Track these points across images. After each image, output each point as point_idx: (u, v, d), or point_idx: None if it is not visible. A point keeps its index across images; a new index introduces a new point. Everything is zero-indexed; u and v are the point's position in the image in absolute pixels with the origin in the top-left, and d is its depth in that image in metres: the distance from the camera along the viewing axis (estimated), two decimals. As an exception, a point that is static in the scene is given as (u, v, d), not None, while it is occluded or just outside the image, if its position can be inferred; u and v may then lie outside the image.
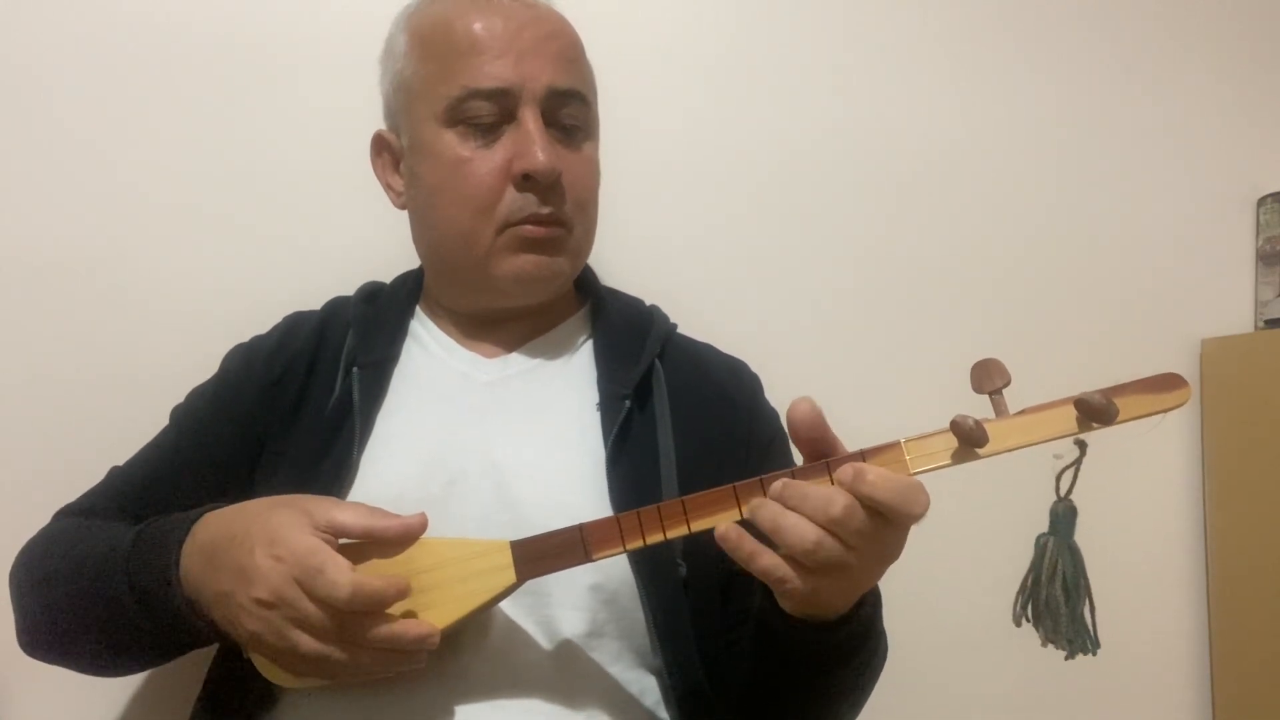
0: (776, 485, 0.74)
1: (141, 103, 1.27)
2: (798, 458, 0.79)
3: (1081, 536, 0.77)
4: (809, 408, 0.76)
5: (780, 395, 1.10)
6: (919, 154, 1.44)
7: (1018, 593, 0.78)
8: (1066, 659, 0.76)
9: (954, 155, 1.45)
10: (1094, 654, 0.76)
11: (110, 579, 0.86)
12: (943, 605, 1.37)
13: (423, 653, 0.78)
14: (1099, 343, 1.45)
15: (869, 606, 0.82)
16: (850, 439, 0.77)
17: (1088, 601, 0.76)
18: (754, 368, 1.13)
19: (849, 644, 0.82)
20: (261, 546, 0.76)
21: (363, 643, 0.76)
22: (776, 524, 0.72)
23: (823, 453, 0.76)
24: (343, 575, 0.74)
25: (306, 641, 0.75)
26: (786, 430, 0.77)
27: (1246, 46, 1.53)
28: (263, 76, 1.30)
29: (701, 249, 1.38)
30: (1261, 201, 1.50)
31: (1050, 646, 0.77)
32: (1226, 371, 1.44)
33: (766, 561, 0.73)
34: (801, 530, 0.71)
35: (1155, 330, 1.48)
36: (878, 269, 1.42)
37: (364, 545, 0.80)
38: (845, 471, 0.72)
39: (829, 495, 0.71)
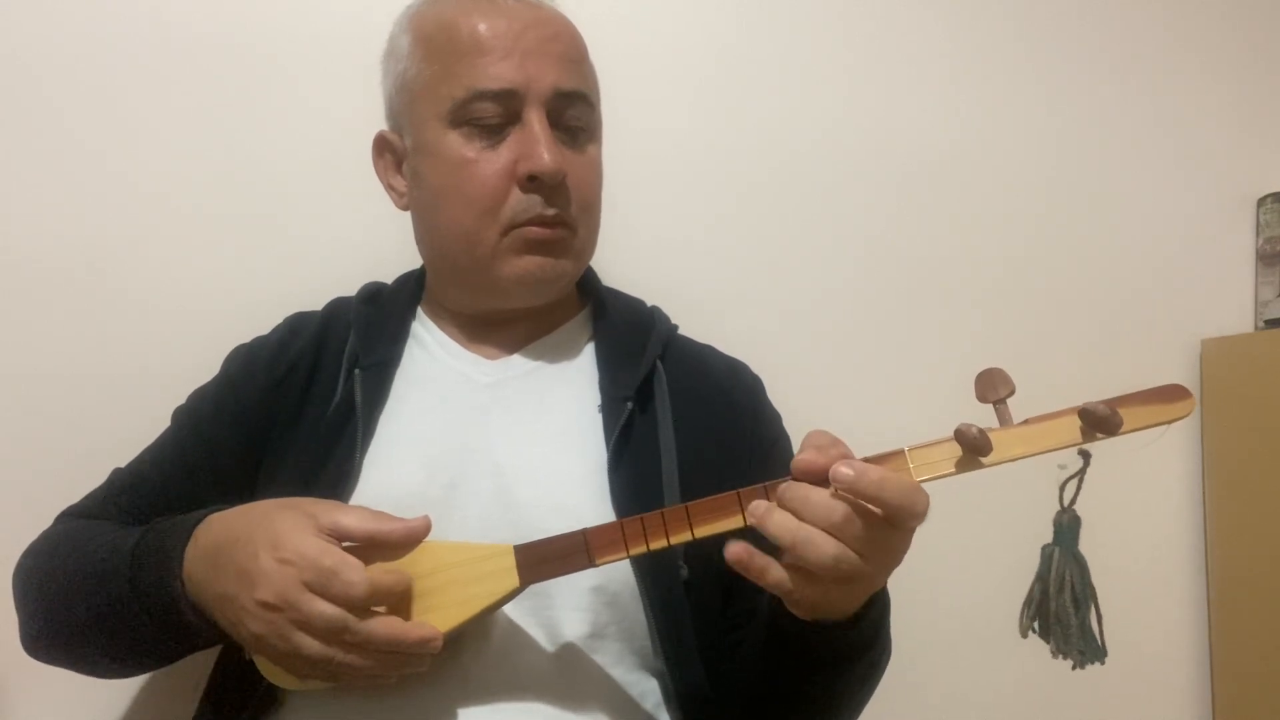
0: (782, 489, 0.74)
1: (142, 103, 1.27)
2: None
3: (1082, 540, 0.77)
4: (738, 551, 0.75)
5: (782, 397, 1.10)
6: (919, 156, 1.44)
7: (1024, 604, 0.78)
8: (1074, 669, 0.76)
9: (954, 156, 1.45)
10: (1102, 663, 0.76)
11: (113, 581, 0.86)
12: (948, 613, 1.37)
13: (426, 655, 0.78)
14: (1099, 343, 1.46)
15: (878, 609, 0.82)
16: (852, 444, 0.77)
17: (1094, 611, 0.76)
18: (755, 369, 1.13)
19: (858, 644, 0.82)
20: (266, 550, 0.76)
21: (366, 646, 0.76)
22: (794, 539, 0.72)
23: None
24: (357, 574, 0.75)
25: (310, 644, 0.75)
26: (789, 435, 0.77)
27: (1246, 46, 1.53)
28: (263, 76, 1.29)
29: (703, 250, 1.38)
30: (1261, 201, 1.50)
31: (1060, 658, 0.76)
32: (1226, 371, 1.44)
33: (777, 576, 0.74)
34: (821, 545, 0.71)
35: (1155, 330, 1.48)
36: (878, 270, 1.42)
37: (367, 549, 0.79)
38: (843, 471, 0.72)
39: (830, 503, 0.72)
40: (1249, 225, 1.51)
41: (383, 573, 0.77)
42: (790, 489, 0.74)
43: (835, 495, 0.72)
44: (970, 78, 1.46)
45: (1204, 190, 1.51)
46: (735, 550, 0.74)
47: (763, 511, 0.74)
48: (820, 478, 0.73)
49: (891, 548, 0.75)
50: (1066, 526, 0.75)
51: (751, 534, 0.76)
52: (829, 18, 1.43)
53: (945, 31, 1.46)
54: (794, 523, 0.72)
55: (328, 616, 0.74)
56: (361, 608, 0.75)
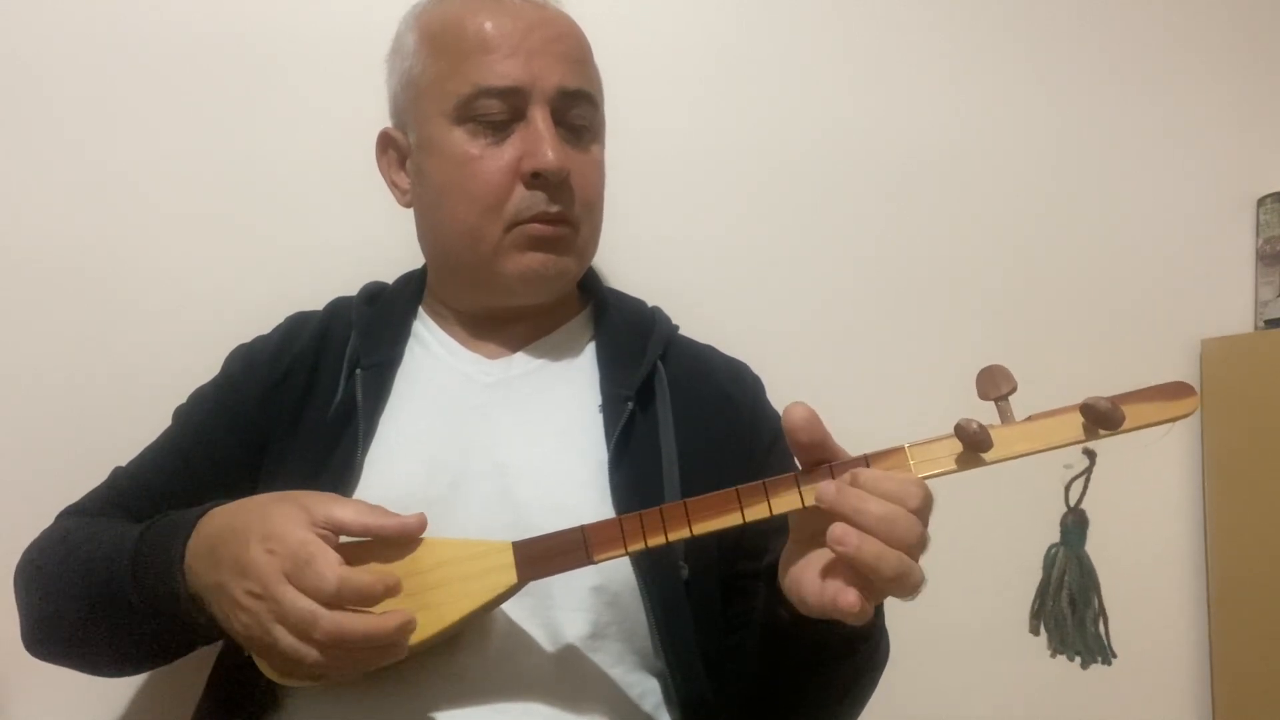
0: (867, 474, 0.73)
1: (143, 102, 1.27)
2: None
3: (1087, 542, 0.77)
4: (804, 412, 0.75)
5: (783, 397, 1.09)
6: (919, 156, 1.44)
7: (1033, 601, 0.78)
8: (1083, 668, 0.76)
9: (954, 157, 1.45)
10: (1108, 664, 0.76)
11: (115, 576, 0.86)
12: (951, 614, 1.36)
13: (403, 642, 0.76)
14: (1099, 343, 1.45)
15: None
16: (853, 443, 0.77)
17: (1100, 612, 0.76)
18: (756, 370, 1.13)
19: (855, 639, 0.82)
20: (257, 540, 0.76)
21: (335, 643, 0.74)
22: (878, 561, 0.69)
23: (822, 458, 0.76)
24: (330, 569, 0.74)
25: (284, 637, 0.75)
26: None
27: (1246, 46, 1.53)
28: (265, 75, 1.29)
29: (704, 250, 1.38)
30: (1261, 201, 1.50)
31: (1061, 657, 0.76)
32: (1226, 371, 1.44)
33: (851, 599, 0.72)
34: (891, 560, 0.70)
35: (1155, 330, 1.47)
36: (879, 270, 1.42)
37: (365, 544, 0.79)
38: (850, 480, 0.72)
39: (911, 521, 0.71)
40: (1249, 225, 1.51)
41: (360, 571, 0.75)
42: (884, 513, 0.71)
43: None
44: (970, 78, 1.46)
45: (1204, 190, 1.51)
46: (850, 600, 0.71)
47: (872, 547, 0.70)
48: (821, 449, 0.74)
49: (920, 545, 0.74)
50: (1073, 527, 0.75)
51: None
52: (829, 18, 1.43)
53: (945, 31, 1.46)
54: (878, 545, 0.70)
55: (299, 608, 0.73)
56: (334, 603, 0.73)
